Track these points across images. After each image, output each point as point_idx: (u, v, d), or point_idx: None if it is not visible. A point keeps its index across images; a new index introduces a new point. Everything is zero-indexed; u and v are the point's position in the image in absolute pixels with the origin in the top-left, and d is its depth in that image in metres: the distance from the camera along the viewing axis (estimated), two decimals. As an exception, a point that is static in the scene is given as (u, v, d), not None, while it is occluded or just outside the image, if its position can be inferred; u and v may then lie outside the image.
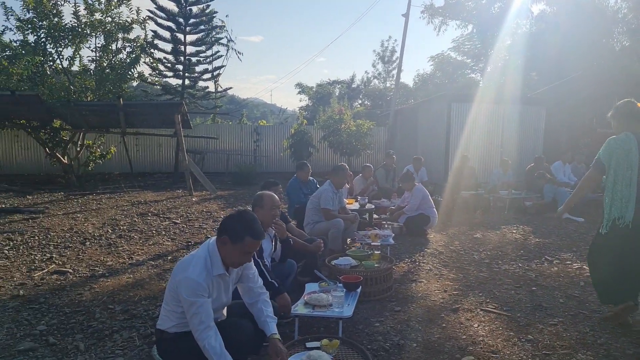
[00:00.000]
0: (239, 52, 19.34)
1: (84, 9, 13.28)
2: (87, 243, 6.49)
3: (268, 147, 18.70)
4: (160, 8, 16.04)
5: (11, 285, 4.68)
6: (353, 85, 37.30)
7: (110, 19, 13.66)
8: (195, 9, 16.85)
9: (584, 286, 4.75)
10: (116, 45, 13.95)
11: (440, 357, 3.22)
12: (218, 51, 18.21)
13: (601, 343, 3.42)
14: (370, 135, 15.79)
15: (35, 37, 12.75)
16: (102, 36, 13.55)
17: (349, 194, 7.69)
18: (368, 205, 7.21)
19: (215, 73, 17.87)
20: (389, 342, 3.44)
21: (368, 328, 3.68)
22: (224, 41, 18.45)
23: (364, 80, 38.67)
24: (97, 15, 13.45)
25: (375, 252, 4.69)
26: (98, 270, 5.28)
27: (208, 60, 17.73)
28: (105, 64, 13.79)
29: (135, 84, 17.53)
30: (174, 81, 17.50)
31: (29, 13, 12.61)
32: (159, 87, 17.41)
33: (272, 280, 3.17)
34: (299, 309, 3.31)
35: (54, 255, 5.80)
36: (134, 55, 14.05)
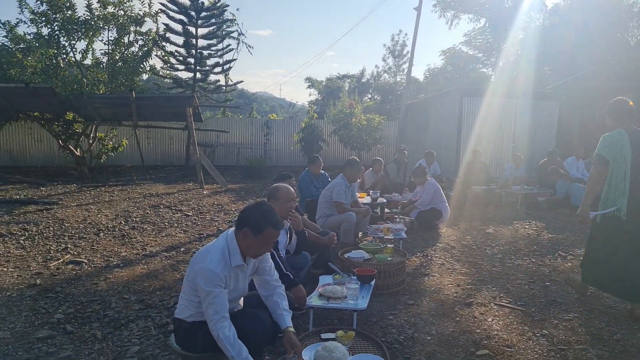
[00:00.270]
0: (249, 45, 19.38)
1: (97, 2, 13.34)
2: (101, 234, 6.56)
3: (278, 141, 18.74)
4: (172, 1, 16.05)
5: (28, 275, 4.75)
6: (363, 80, 37.21)
7: (122, 12, 13.71)
8: (206, 2, 16.85)
9: (598, 282, 4.71)
10: (128, 39, 14.00)
11: (455, 350, 3.22)
12: (229, 44, 18.26)
13: (617, 339, 3.39)
14: (381, 130, 15.74)
15: (49, 30, 12.82)
16: (115, 29, 13.59)
17: (360, 188, 7.68)
18: (380, 199, 7.20)
19: (226, 67, 17.88)
20: (402, 334, 3.44)
21: (382, 321, 3.68)
22: (235, 35, 18.50)
23: (373, 75, 38.57)
24: (110, 9, 13.50)
25: (389, 245, 4.68)
26: (112, 260, 5.34)
27: (219, 53, 17.72)
28: (117, 57, 13.87)
29: (145, 77, 17.62)
30: (185, 74, 17.56)
31: (42, 6, 12.67)
32: (169, 80, 17.48)
33: (288, 272, 3.18)
34: (313, 300, 3.32)
35: (69, 246, 5.88)
36: (146, 49, 14.09)
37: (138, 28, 14.01)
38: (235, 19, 18.09)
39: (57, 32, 12.81)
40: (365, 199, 7.03)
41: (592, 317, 3.79)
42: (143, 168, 14.90)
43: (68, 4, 12.83)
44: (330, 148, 17.28)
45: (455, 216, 7.91)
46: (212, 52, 17.67)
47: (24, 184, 11.30)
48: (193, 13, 16.57)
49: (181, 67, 17.07)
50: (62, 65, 12.84)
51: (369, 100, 28.83)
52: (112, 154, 14.46)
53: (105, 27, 13.36)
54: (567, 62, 18.92)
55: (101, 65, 13.71)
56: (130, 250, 5.79)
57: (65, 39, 12.96)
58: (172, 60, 16.79)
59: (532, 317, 3.80)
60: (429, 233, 6.84)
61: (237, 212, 8.31)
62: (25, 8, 12.71)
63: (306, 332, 2.99)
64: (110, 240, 6.28)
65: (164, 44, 16.12)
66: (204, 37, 17.18)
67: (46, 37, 12.68)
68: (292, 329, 2.57)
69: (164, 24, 16.54)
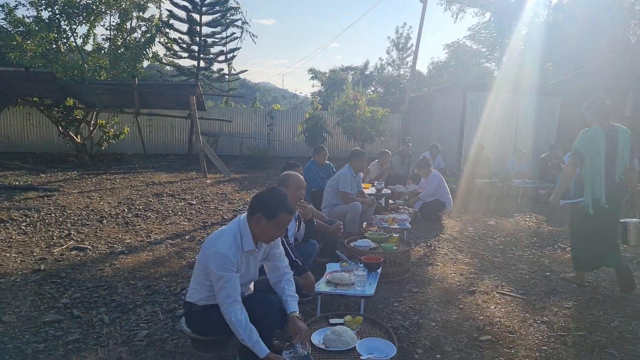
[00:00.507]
0: (253, 34, 19.24)
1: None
2: (104, 221, 6.58)
3: (281, 132, 18.72)
4: (177, -13, 15.93)
5: (31, 260, 4.77)
6: (366, 72, 37.04)
7: (125, -4, 13.60)
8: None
9: (596, 272, 4.75)
10: (131, 24, 13.90)
11: (459, 336, 3.26)
12: (234, 33, 18.12)
13: (615, 326, 3.46)
14: (385, 122, 15.72)
15: (50, 13, 12.67)
16: (117, 14, 13.47)
17: (363, 179, 7.70)
18: (384, 191, 7.23)
19: (230, 55, 17.80)
20: (408, 320, 3.49)
21: (387, 307, 3.72)
22: (239, 23, 18.38)
23: (377, 67, 38.39)
24: (112, -8, 13.38)
25: (394, 234, 4.71)
26: (117, 247, 5.36)
27: (223, 42, 17.62)
28: (119, 43, 13.76)
29: (146, 64, 17.48)
30: (188, 62, 17.51)
31: (43, -12, 12.55)
32: (171, 67, 17.38)
33: (297, 259, 3.20)
34: (321, 287, 3.35)
35: (72, 232, 5.90)
36: (149, 35, 13.98)
37: (141, 14, 13.91)
38: (239, 7, 17.98)
39: (57, 16, 12.65)
40: (370, 190, 7.06)
41: (590, 306, 3.86)
42: (145, 156, 14.89)
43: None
44: (333, 139, 17.27)
45: (458, 208, 7.95)
46: (216, 40, 17.57)
47: (23, 170, 11.25)
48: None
49: (184, 54, 16.97)
50: (62, 50, 12.72)
51: (372, 92, 28.72)
52: (114, 141, 14.40)
53: (108, 11, 13.25)
54: (569, 59, 18.87)
55: (103, 51, 13.59)
56: (135, 238, 5.82)
57: (65, 23, 12.81)
58: (176, 47, 16.70)
59: (533, 305, 3.86)
60: (432, 224, 6.89)
61: (241, 201, 8.39)
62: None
63: (314, 317, 3.03)
64: (114, 227, 6.30)
65: (167, 30, 16.01)
66: (208, 24, 17.06)
67: (46, 20, 12.52)
68: (297, 314, 2.59)
69: (167, 10, 16.45)
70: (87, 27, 13.34)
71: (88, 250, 5.16)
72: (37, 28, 12.33)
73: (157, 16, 14.84)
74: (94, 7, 12.91)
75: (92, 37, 13.54)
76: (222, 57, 17.81)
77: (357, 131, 14.75)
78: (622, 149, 3.97)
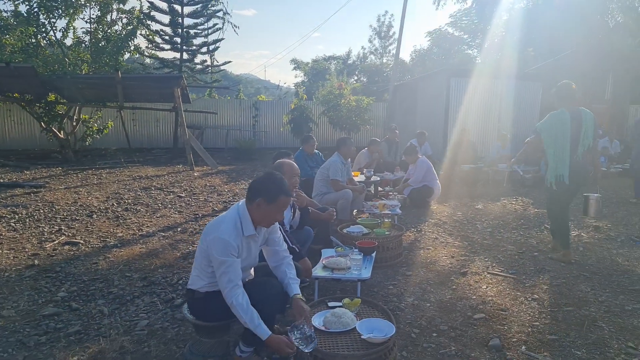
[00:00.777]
0: (235, 25, 19.06)
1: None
2: (94, 216, 6.54)
3: (267, 123, 18.65)
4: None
5: (24, 256, 4.74)
6: (349, 61, 36.97)
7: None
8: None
9: (583, 251, 4.94)
10: (111, 17, 13.65)
11: (453, 315, 3.37)
12: (216, 24, 17.93)
13: (602, 300, 3.61)
14: (370, 111, 15.78)
15: (27, 7, 12.39)
16: (97, 7, 13.22)
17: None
18: (373, 178, 7.31)
19: (213, 47, 17.63)
20: (403, 302, 3.59)
21: (383, 290, 3.81)
22: (220, 14, 18.18)
23: (360, 56, 38.35)
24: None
25: (386, 220, 4.80)
26: (109, 241, 5.35)
27: (205, 33, 17.45)
28: (100, 36, 13.52)
29: (127, 56, 17.24)
30: (171, 54, 17.32)
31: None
32: (152, 60, 17.16)
33: (294, 246, 3.26)
34: (318, 272, 3.42)
35: (63, 228, 5.86)
36: (130, 27, 13.76)
37: (121, 6, 13.66)
38: (220, -2, 17.76)
39: (35, 9, 12.38)
40: (359, 178, 7.13)
41: (578, 282, 4.00)
42: (130, 151, 14.73)
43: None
44: (319, 129, 17.27)
45: (445, 194, 8.07)
46: (198, 32, 17.38)
47: (6, 168, 11.03)
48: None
49: (167, 46, 16.77)
50: (42, 45, 12.46)
51: (355, 82, 28.73)
52: (98, 136, 14.18)
53: (87, 4, 12.98)
54: (550, 44, 19.16)
55: (83, 45, 13.34)
56: (127, 231, 5.80)
57: (44, 16, 12.55)
58: (158, 39, 16.48)
59: (523, 283, 3.99)
60: (421, 210, 7.00)
61: (230, 193, 8.41)
62: (1, -16, 12.30)
63: (312, 301, 3.09)
64: (105, 221, 6.27)
65: (149, 22, 15.76)
66: (190, 15, 16.86)
67: (25, 14, 12.25)
68: (300, 296, 2.65)
69: (148, 1, 16.14)
70: (66, 21, 13.04)
71: (80, 245, 5.14)
72: (15, 22, 12.03)
73: (137, 8, 14.58)
74: (73, 0, 12.63)
75: (71, 31, 13.25)
76: (204, 49, 17.64)
77: (342, 120, 14.79)
78: (585, 131, 4.33)
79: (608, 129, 12.98)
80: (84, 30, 13.63)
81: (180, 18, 16.51)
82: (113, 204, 7.28)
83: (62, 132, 13.18)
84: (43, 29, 12.72)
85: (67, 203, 7.23)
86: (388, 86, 18.78)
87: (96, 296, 3.75)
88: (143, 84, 12.35)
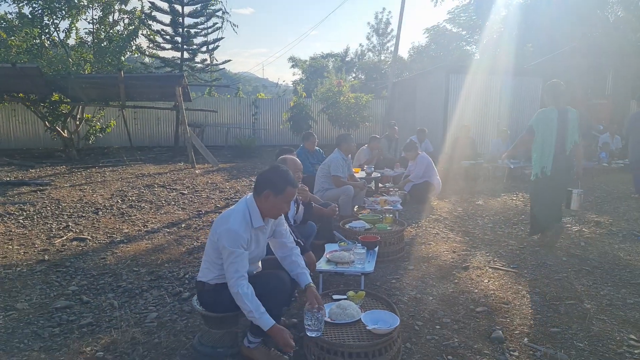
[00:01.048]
0: (234, 24, 19.13)
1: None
2: (100, 212, 6.62)
3: (266, 120, 18.72)
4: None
5: (34, 251, 4.83)
6: (347, 59, 37.01)
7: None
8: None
9: (584, 246, 5.00)
10: (113, 17, 13.75)
11: (456, 308, 3.45)
12: (216, 23, 18.02)
13: (604, 294, 3.67)
14: (369, 108, 15.86)
15: (31, 9, 12.51)
16: (100, 8, 13.31)
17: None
18: (374, 174, 7.39)
19: (213, 46, 17.71)
20: (406, 296, 3.66)
21: (385, 284, 3.89)
22: (219, 13, 18.25)
23: (357, 54, 38.37)
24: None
25: (388, 215, 4.88)
26: (116, 237, 5.44)
27: (205, 32, 17.53)
28: (102, 36, 13.61)
29: (126, 56, 17.35)
30: (172, 54, 17.41)
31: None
32: (153, 59, 17.26)
33: (298, 240, 3.33)
34: (322, 265, 3.50)
35: (70, 224, 5.95)
36: (132, 27, 13.85)
37: (123, 6, 13.75)
38: (219, -3, 17.83)
39: (39, 11, 12.49)
40: (360, 174, 7.21)
41: (580, 277, 4.07)
42: (131, 149, 14.80)
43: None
44: (319, 126, 17.34)
45: (445, 190, 8.15)
46: (199, 31, 17.46)
47: (11, 166, 11.16)
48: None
49: (168, 46, 16.86)
50: (46, 45, 12.57)
51: (352, 79, 28.78)
52: (100, 135, 14.31)
53: (90, 5, 13.08)
54: (549, 39, 19.18)
55: (86, 45, 13.45)
56: (132, 227, 5.89)
57: (48, 18, 12.66)
58: (159, 39, 16.56)
59: (525, 277, 4.06)
60: (421, 205, 7.06)
61: (232, 190, 8.49)
62: (5, -14, 12.42)
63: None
64: (110, 218, 6.35)
65: (150, 22, 15.84)
66: (190, 15, 16.94)
67: (29, 16, 12.37)
68: (313, 285, 2.74)
69: (149, 1, 16.22)
70: (69, 22, 13.14)
71: (88, 241, 5.22)
72: (20, 24, 12.13)
73: (139, 8, 14.66)
74: (76, 1, 12.71)
75: (74, 31, 13.36)
76: (204, 48, 17.74)
77: (341, 117, 14.87)
78: (571, 127, 4.68)
79: (609, 124, 13.03)
80: (87, 30, 13.79)
81: (180, 18, 16.59)
82: (118, 201, 7.36)
83: (65, 131, 13.31)
84: (47, 30, 12.83)
85: (73, 200, 7.32)
86: (386, 83, 18.83)
87: (106, 290, 3.83)
88: (145, 83, 12.44)
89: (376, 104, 18.59)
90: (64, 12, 12.67)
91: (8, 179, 9.24)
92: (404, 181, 7.34)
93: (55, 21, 12.98)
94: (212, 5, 17.64)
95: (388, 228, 4.61)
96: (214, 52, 18.38)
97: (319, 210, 4.54)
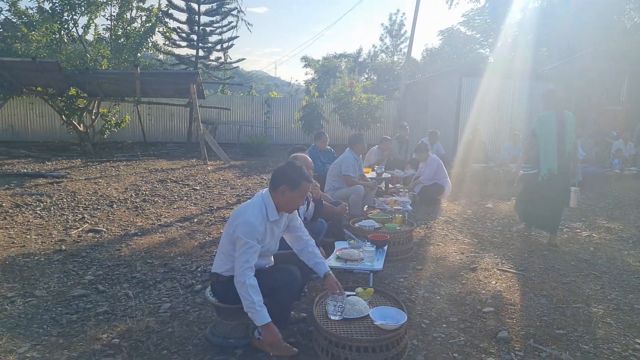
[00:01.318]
0: (248, 23, 19.27)
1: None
2: (114, 206, 6.76)
3: (278, 119, 18.86)
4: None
5: (51, 242, 4.97)
6: (360, 59, 37.01)
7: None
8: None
9: (593, 251, 5.01)
10: (130, 14, 13.97)
11: (463, 308, 3.49)
12: (231, 22, 18.22)
13: (611, 299, 3.70)
14: (380, 109, 15.89)
15: (51, 4, 12.76)
16: (117, 5, 13.54)
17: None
18: (384, 175, 7.44)
19: (228, 44, 17.89)
20: (414, 294, 3.72)
21: (394, 283, 3.95)
22: (234, 12, 18.42)
23: (370, 54, 38.36)
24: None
25: (397, 215, 4.93)
26: (130, 229, 5.56)
27: (220, 31, 17.71)
28: (119, 33, 13.83)
29: (141, 53, 17.60)
30: (186, 51, 17.56)
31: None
32: (167, 56, 17.44)
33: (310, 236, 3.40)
34: (332, 262, 3.56)
35: (86, 216, 6.09)
36: (149, 24, 14.06)
37: (140, 3, 13.97)
38: (235, -5, 18.00)
39: (58, 7, 12.74)
40: (371, 174, 7.26)
41: (588, 281, 4.09)
42: (145, 144, 14.99)
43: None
44: (330, 126, 17.43)
45: (455, 192, 8.16)
46: (214, 29, 17.64)
47: (28, 159, 11.41)
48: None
49: (184, 43, 17.06)
50: (65, 41, 12.81)
51: (365, 80, 28.76)
52: (115, 129, 14.54)
53: (108, 2, 13.30)
54: (564, 44, 19.06)
55: (104, 41, 13.68)
56: (146, 221, 6.01)
57: (67, 13, 12.90)
58: (175, 36, 16.77)
59: (532, 280, 4.09)
60: (431, 207, 7.10)
61: (243, 187, 8.59)
62: (26, -18, 12.72)
63: (326, 291, 3.24)
64: (125, 211, 6.49)
65: (166, 19, 16.07)
66: (206, 13, 17.12)
67: (49, 11, 12.62)
68: (332, 273, 2.86)
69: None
70: (88, 18, 13.38)
71: (103, 233, 5.35)
72: (40, 19, 12.39)
73: (156, 6, 14.90)
74: (95, -2, 12.97)
75: (92, 27, 13.62)
76: (219, 46, 17.92)
77: (353, 118, 14.92)
78: (569, 131, 4.97)
79: (623, 131, 12.92)
80: (105, 27, 13.99)
81: (196, 16, 16.79)
82: (132, 195, 7.50)
83: (81, 125, 13.55)
84: (66, 26, 13.08)
85: (88, 193, 7.47)
86: (399, 84, 18.84)
87: (121, 280, 3.94)
88: (160, 79, 12.60)
89: (388, 105, 18.62)
90: (83, 8, 12.92)
91: (25, 170, 9.45)
92: (414, 182, 7.38)
93: (75, 17, 13.26)
94: (228, 4, 17.83)
95: (397, 228, 4.66)
96: (228, 50, 18.56)
97: (330, 209, 4.60)
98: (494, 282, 4.02)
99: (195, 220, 6.14)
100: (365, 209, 6.23)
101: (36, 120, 16.12)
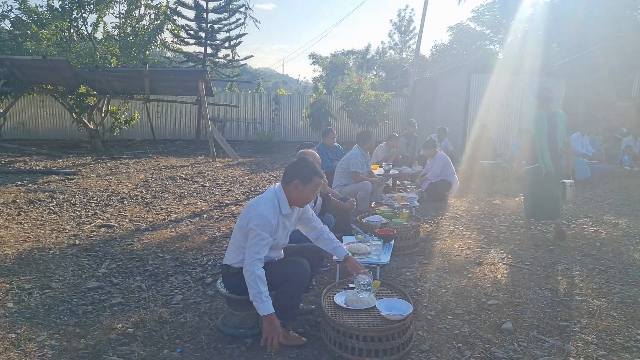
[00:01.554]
0: (256, 20, 19.36)
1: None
2: (125, 202, 6.88)
3: (286, 116, 18.93)
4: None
5: (65, 236, 5.10)
6: (368, 56, 36.96)
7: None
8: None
9: (599, 246, 5.04)
10: (139, 12, 14.10)
11: (468, 300, 3.55)
12: (239, 19, 18.30)
13: (615, 292, 3.73)
14: (389, 106, 15.89)
15: (60, 2, 12.91)
16: (126, 2, 13.67)
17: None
18: (392, 171, 7.49)
19: (236, 41, 17.99)
20: (420, 287, 3.78)
21: (400, 277, 4.02)
22: (242, 9, 18.51)
23: (379, 51, 38.28)
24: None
25: (404, 210, 4.99)
26: (141, 225, 5.67)
27: (228, 28, 17.80)
28: (128, 30, 13.97)
29: (149, 52, 17.75)
30: (194, 49, 17.68)
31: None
32: (175, 53, 17.58)
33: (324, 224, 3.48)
34: (339, 256, 3.63)
35: (98, 212, 6.22)
36: (157, 22, 14.19)
37: (149, 1, 14.09)
38: (243, -8, 18.12)
39: (68, 5, 12.90)
40: (378, 171, 7.32)
41: (592, 275, 4.13)
42: (154, 141, 15.14)
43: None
44: (338, 123, 17.48)
45: (463, 188, 8.19)
46: (222, 26, 17.74)
47: (40, 156, 11.61)
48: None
49: (192, 41, 17.19)
50: (75, 39, 12.97)
51: (373, 76, 28.73)
52: (125, 127, 14.70)
53: (117, 0, 13.45)
54: (574, 39, 18.87)
55: (113, 39, 13.83)
56: (156, 217, 6.12)
57: (77, 11, 13.06)
58: (183, 34, 16.89)
59: (538, 274, 4.13)
60: (438, 203, 7.15)
61: (252, 184, 8.68)
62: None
63: (334, 283, 3.32)
64: (136, 207, 6.61)
65: (175, 17, 16.19)
66: (214, 10, 17.23)
67: (59, 9, 12.78)
68: (351, 254, 3.05)
69: (174, -3, 16.60)
70: (97, 15, 13.53)
71: (115, 228, 5.47)
72: (50, 17, 12.55)
73: (164, 4, 15.00)
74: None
75: (101, 25, 13.78)
76: (227, 43, 18.03)
77: (361, 115, 14.94)
78: (560, 128, 5.23)
79: (633, 127, 12.82)
80: (113, 24, 14.12)
81: (205, 13, 16.88)
82: (142, 192, 7.62)
83: (91, 122, 13.71)
84: (75, 24, 13.23)
85: (100, 190, 7.60)
86: (407, 81, 18.82)
87: (134, 273, 4.05)
88: (169, 77, 12.73)
89: (396, 102, 18.60)
90: (92, 6, 13.07)
91: (37, 167, 9.63)
92: (422, 179, 7.42)
93: (84, 15, 13.40)
94: (236, 1, 17.93)
95: (404, 223, 4.72)
96: (236, 47, 18.64)
97: (337, 204, 4.68)
98: (499, 276, 4.07)
99: (205, 216, 6.24)
100: (372, 205, 6.28)
101: (47, 118, 16.34)
